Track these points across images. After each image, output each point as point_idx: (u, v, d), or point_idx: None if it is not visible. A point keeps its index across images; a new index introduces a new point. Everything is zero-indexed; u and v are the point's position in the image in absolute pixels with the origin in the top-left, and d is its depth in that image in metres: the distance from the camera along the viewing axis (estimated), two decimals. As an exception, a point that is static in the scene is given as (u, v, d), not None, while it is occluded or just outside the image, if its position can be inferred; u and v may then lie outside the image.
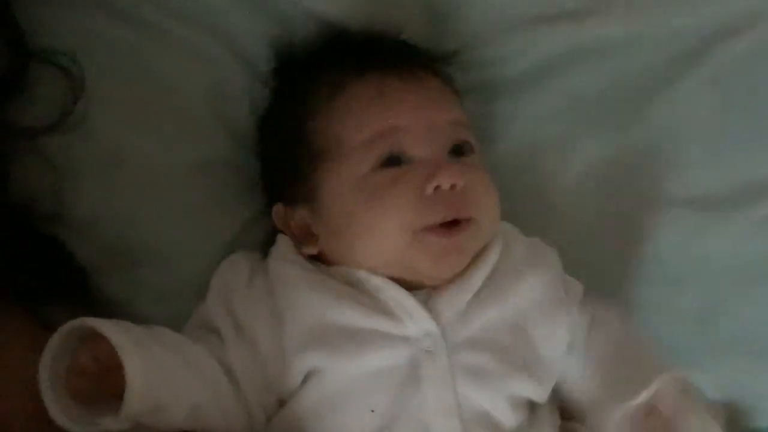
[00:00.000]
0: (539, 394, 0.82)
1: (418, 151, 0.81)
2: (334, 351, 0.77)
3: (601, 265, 0.97)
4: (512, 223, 0.90)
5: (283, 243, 0.85)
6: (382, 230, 0.79)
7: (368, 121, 0.82)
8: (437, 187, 0.79)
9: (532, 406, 0.83)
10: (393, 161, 0.81)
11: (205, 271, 0.84)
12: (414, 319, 0.79)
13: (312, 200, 0.83)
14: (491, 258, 0.83)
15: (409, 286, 0.80)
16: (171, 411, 0.70)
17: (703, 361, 0.96)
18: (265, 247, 0.87)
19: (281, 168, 0.87)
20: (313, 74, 0.86)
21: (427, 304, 0.80)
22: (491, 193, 0.83)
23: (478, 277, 0.82)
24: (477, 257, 0.83)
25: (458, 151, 0.83)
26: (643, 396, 0.77)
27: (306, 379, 0.78)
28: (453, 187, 0.79)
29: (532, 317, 0.82)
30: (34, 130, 0.82)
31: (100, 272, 0.84)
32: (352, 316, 0.78)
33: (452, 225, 0.79)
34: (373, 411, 0.76)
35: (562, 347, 0.83)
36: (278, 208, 0.86)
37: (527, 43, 0.96)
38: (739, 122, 0.97)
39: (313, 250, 0.84)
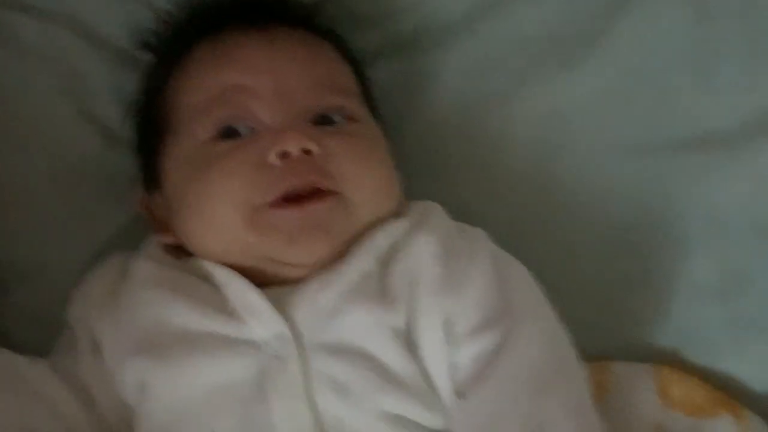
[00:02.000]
0: (426, 416, 0.65)
1: (264, 116, 0.70)
2: (162, 357, 0.66)
3: (578, 235, 0.83)
4: (454, 196, 0.78)
5: (151, 239, 0.76)
6: (213, 209, 0.68)
7: (205, 82, 0.72)
8: (285, 155, 0.67)
9: None
10: (233, 131, 0.70)
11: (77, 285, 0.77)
12: (261, 319, 0.67)
13: (160, 182, 0.74)
14: (375, 246, 0.69)
15: (270, 281, 0.68)
16: None
17: (723, 340, 0.81)
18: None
19: (141, 152, 0.79)
20: (171, 47, 0.78)
21: (281, 301, 0.67)
22: (371, 165, 0.71)
23: (352, 269, 0.68)
24: (354, 244, 0.69)
25: (326, 118, 0.71)
26: None
27: (142, 395, 0.68)
28: (309, 153, 0.67)
29: (414, 318, 0.67)
30: None
31: None
32: (186, 315, 0.67)
33: (306, 198, 0.67)
34: None
35: (442, 356, 0.66)
36: (139, 197, 0.78)
37: None
38: (730, 36, 0.82)
39: (168, 239, 0.74)
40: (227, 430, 0.64)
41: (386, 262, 0.69)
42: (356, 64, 0.79)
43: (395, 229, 0.70)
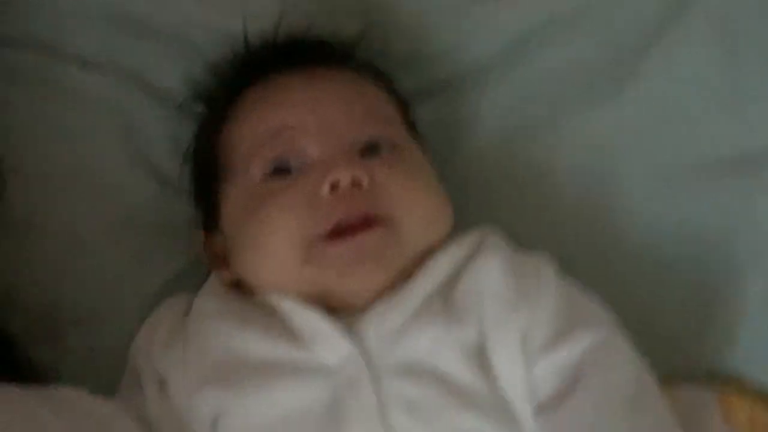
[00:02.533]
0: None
1: (312, 151, 0.71)
2: (235, 386, 0.66)
3: (619, 257, 0.83)
4: (501, 225, 0.77)
5: (213, 278, 0.77)
6: (271, 246, 0.69)
7: (254, 126, 0.74)
8: (336, 186, 0.68)
9: None
10: (285, 167, 0.71)
11: (137, 328, 0.76)
12: (329, 343, 0.66)
13: (219, 223, 0.76)
14: (438, 267, 0.70)
15: (336, 309, 0.68)
16: None
17: None
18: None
19: (199, 195, 0.80)
20: (222, 95, 0.80)
21: (349, 325, 0.67)
22: (419, 190, 0.71)
23: (418, 290, 0.68)
24: (418, 268, 0.69)
25: (372, 149, 0.72)
26: None
27: (215, 427, 0.67)
28: (359, 186, 0.68)
29: (484, 336, 0.67)
30: None
31: (27, 342, 0.79)
32: (256, 344, 0.67)
33: (358, 228, 0.67)
34: None
35: (520, 373, 0.66)
36: (199, 236, 0.79)
37: (487, 27, 0.86)
38: (757, 69, 0.84)
39: (229, 276, 0.75)
40: None
41: (452, 282, 0.69)
42: (397, 95, 0.80)
43: (459, 250, 0.71)
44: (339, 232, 0.67)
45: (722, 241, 0.83)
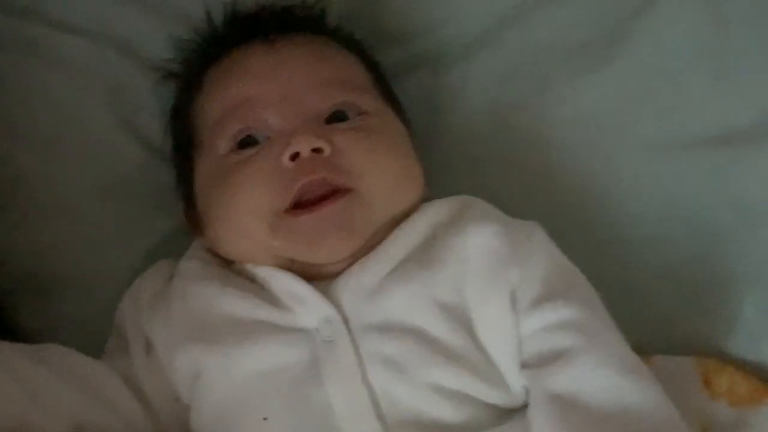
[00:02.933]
0: (488, 392, 0.66)
1: (276, 123, 0.72)
2: (215, 343, 0.67)
3: (606, 231, 0.84)
4: (485, 198, 0.78)
5: (196, 245, 0.78)
6: (238, 219, 0.70)
7: (219, 99, 0.74)
8: (296, 156, 0.68)
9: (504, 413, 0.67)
10: (250, 140, 0.72)
11: (123, 292, 0.77)
12: (308, 306, 0.68)
13: (194, 195, 0.77)
14: (415, 228, 0.71)
15: (311, 276, 0.69)
16: (44, 430, 0.64)
17: (760, 329, 0.80)
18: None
19: (177, 165, 0.81)
20: (194, 65, 0.81)
21: (326, 289, 0.68)
22: (384, 155, 0.71)
23: (393, 250, 0.69)
24: (396, 230, 0.71)
25: (338, 115, 0.72)
26: None
27: (196, 384, 0.68)
28: (320, 152, 0.68)
29: (465, 292, 0.67)
30: None
31: (15, 303, 0.80)
32: (236, 304, 0.68)
33: (321, 200, 0.68)
34: (265, 419, 0.65)
35: (507, 328, 0.67)
36: (185, 213, 0.80)
37: (466, 2, 0.87)
38: (744, 36, 0.84)
39: (207, 244, 0.76)
40: (280, 414, 0.65)
41: (430, 241, 0.70)
42: (367, 59, 0.80)
43: (437, 213, 0.72)
44: (303, 204, 0.68)
45: (706, 216, 0.83)
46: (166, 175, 0.83)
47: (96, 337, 0.76)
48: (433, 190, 0.78)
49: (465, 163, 0.86)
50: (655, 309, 0.82)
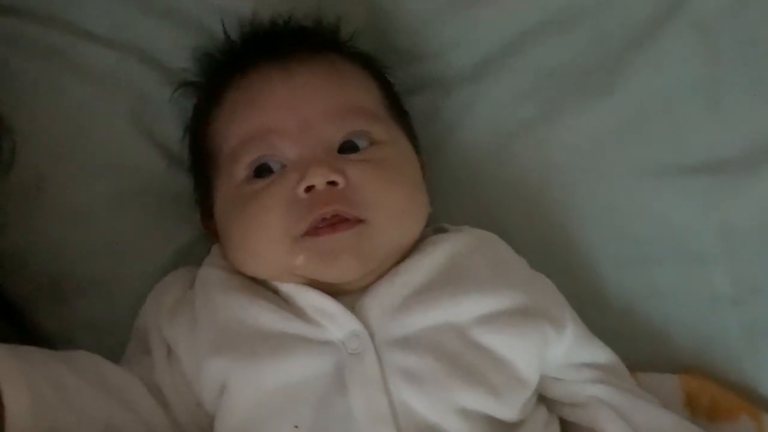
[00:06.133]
0: (500, 410, 0.71)
1: (291, 152, 0.75)
2: (243, 356, 0.70)
3: (601, 251, 0.88)
4: (488, 216, 0.84)
5: (215, 252, 0.81)
6: (258, 245, 0.74)
7: (237, 125, 0.77)
8: (311, 189, 0.72)
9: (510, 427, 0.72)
10: (265, 169, 0.75)
11: (143, 299, 0.80)
12: (336, 320, 0.72)
13: (212, 212, 0.80)
14: (436, 254, 0.75)
15: (331, 293, 0.73)
16: None
17: (741, 348, 0.85)
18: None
19: (195, 178, 0.84)
20: (210, 82, 0.83)
21: (354, 304, 0.72)
22: (394, 190, 0.75)
23: (415, 274, 0.74)
24: (417, 253, 0.75)
25: (350, 146, 0.75)
26: None
27: (223, 392, 0.71)
28: (334, 184, 0.72)
29: (486, 328, 0.73)
30: None
31: (34, 307, 0.81)
32: (266, 317, 0.72)
33: (335, 225, 0.71)
34: (296, 427, 0.68)
35: (533, 360, 0.74)
36: (202, 222, 0.83)
37: (477, 26, 0.90)
38: (737, 71, 0.88)
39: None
40: (309, 422, 0.68)
41: (450, 268, 0.74)
42: (381, 79, 0.83)
43: (455, 244, 0.76)
44: (319, 228, 0.71)
45: (693, 239, 0.87)
46: (186, 183, 0.85)
47: (112, 342, 0.78)
48: (437, 205, 0.81)
49: (468, 181, 0.89)
50: (640, 326, 0.87)
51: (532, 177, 0.89)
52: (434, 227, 0.81)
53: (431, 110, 0.90)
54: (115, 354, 0.77)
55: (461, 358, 0.70)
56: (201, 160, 0.81)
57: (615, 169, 0.88)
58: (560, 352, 0.76)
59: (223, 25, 0.85)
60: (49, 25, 0.85)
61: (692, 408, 0.83)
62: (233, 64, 0.81)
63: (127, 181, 0.85)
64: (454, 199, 0.87)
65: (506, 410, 0.71)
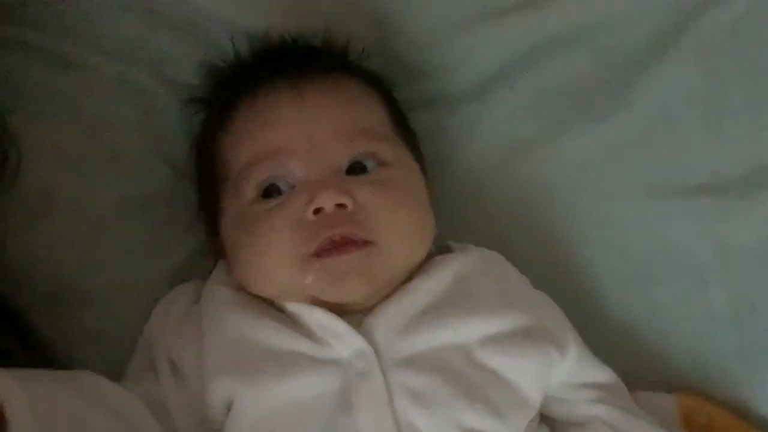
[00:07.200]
0: (503, 430, 0.72)
1: (300, 173, 0.75)
2: (252, 374, 0.70)
3: (601, 269, 0.89)
4: (491, 233, 0.85)
5: (220, 267, 0.81)
6: (266, 265, 0.74)
7: (246, 144, 0.77)
8: (319, 211, 0.72)
9: None
10: (274, 189, 0.75)
11: (147, 310, 0.80)
12: (342, 339, 0.72)
13: (219, 229, 0.80)
14: (442, 275, 0.76)
15: (337, 312, 0.73)
16: None
17: (738, 368, 0.86)
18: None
19: (201, 195, 0.84)
20: (226, 95, 0.83)
21: (360, 324, 0.73)
22: (402, 211, 0.75)
23: (421, 294, 0.75)
24: (423, 273, 0.76)
25: (359, 166, 0.76)
26: None
27: (229, 410, 0.71)
28: (343, 207, 0.72)
29: (491, 349, 0.74)
30: None
31: (38, 318, 0.81)
32: (273, 336, 0.72)
33: (343, 247, 0.72)
34: None
35: (536, 381, 0.75)
36: (207, 238, 0.83)
37: (482, 44, 0.90)
38: (738, 94, 0.89)
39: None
40: None
41: (456, 288, 0.75)
42: (388, 97, 0.84)
43: (462, 264, 0.77)
44: (326, 249, 0.72)
45: (694, 259, 0.88)
46: (191, 196, 0.85)
47: (117, 353, 0.79)
48: (441, 221, 0.81)
49: (472, 198, 0.90)
50: (639, 345, 0.88)
51: (535, 195, 0.90)
52: (438, 245, 0.81)
53: (436, 128, 0.90)
54: (119, 365, 0.77)
55: (466, 379, 0.71)
56: (208, 178, 0.82)
57: (617, 189, 0.89)
58: (563, 373, 0.77)
59: (233, 42, 0.85)
60: (60, 37, 0.85)
61: (689, 428, 0.83)
62: (242, 81, 0.81)
63: (134, 193, 0.85)
64: (458, 217, 0.88)
65: (510, 431, 0.72)
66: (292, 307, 0.74)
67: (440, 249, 0.81)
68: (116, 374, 0.77)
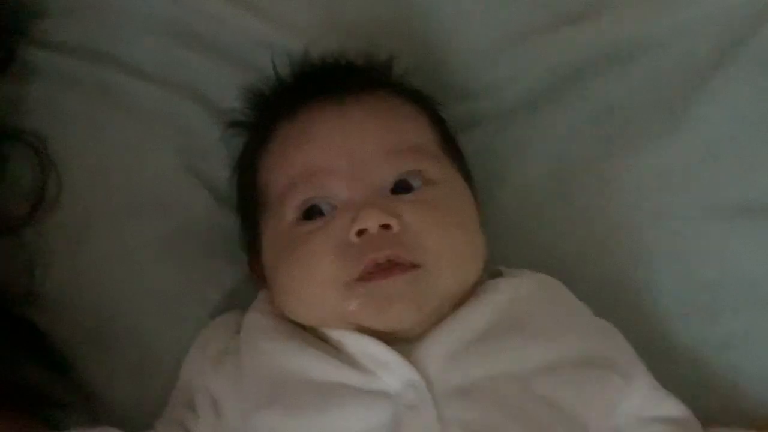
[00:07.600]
0: None
1: (342, 193, 0.72)
2: (296, 408, 0.67)
3: (667, 297, 0.84)
4: (545, 259, 0.81)
5: (262, 295, 0.78)
6: (308, 290, 0.70)
7: (286, 165, 0.75)
8: (363, 232, 0.68)
9: None
10: (316, 211, 0.72)
11: (188, 344, 0.77)
12: (391, 369, 0.68)
13: (260, 253, 0.77)
14: (496, 299, 0.72)
15: (388, 339, 0.69)
16: None
17: None
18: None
19: (242, 220, 0.82)
20: (259, 122, 0.81)
21: (409, 352, 0.68)
22: (450, 233, 0.71)
23: (475, 319, 0.70)
24: (475, 298, 0.72)
25: (404, 185, 0.72)
26: None
27: None
28: (388, 228, 0.69)
29: (549, 378, 0.69)
30: (9, 223, 0.79)
31: (76, 354, 0.79)
32: (316, 367, 0.68)
33: (389, 270, 0.68)
34: None
35: (598, 413, 0.70)
36: (250, 266, 0.81)
37: (531, 61, 0.88)
38: None
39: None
40: None
41: (511, 315, 0.71)
42: (437, 117, 0.81)
43: (515, 289, 0.73)
44: (372, 273, 0.68)
45: (762, 281, 0.83)
46: (233, 223, 0.83)
47: (155, 389, 0.77)
48: (490, 246, 0.77)
49: (524, 222, 0.86)
50: (710, 377, 0.82)
51: (593, 218, 0.85)
52: (490, 271, 0.77)
53: (485, 148, 0.87)
54: (158, 402, 0.75)
55: (523, 411, 0.66)
56: (249, 201, 0.79)
57: (681, 211, 0.84)
58: (631, 406, 0.71)
59: (273, 63, 0.83)
60: (98, 62, 0.84)
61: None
62: (284, 102, 0.79)
63: (174, 221, 0.83)
64: (510, 242, 0.83)
65: None
66: (335, 334, 0.70)
67: (492, 275, 0.77)
68: (154, 412, 0.75)
